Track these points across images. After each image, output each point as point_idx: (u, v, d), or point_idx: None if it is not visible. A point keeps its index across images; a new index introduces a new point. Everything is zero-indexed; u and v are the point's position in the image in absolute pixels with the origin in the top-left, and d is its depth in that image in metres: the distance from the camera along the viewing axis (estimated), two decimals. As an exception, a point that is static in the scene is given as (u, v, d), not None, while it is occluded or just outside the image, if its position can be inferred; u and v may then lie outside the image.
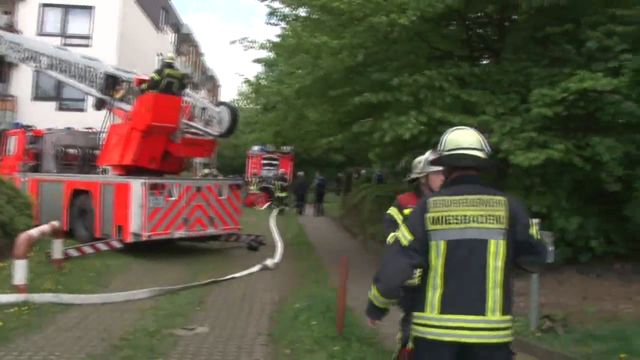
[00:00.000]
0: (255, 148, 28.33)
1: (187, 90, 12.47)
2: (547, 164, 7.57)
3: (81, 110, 22.38)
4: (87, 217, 11.63)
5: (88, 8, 24.87)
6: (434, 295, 2.78)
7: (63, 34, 24.69)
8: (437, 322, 2.75)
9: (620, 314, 6.53)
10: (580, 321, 6.37)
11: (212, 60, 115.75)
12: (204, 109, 12.29)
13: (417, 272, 2.81)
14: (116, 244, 10.67)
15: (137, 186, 10.63)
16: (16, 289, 6.99)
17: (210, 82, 49.46)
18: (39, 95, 24.76)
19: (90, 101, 14.84)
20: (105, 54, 18.75)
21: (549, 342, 5.86)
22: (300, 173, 27.47)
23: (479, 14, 10.59)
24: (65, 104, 24.55)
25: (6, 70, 20.48)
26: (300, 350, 5.46)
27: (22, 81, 23.54)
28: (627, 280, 7.60)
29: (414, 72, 8.82)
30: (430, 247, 2.80)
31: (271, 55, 14.70)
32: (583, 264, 8.04)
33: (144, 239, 10.58)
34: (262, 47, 12.27)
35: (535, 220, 3.04)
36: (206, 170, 31.96)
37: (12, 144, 14.27)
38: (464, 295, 2.73)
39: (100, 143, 13.07)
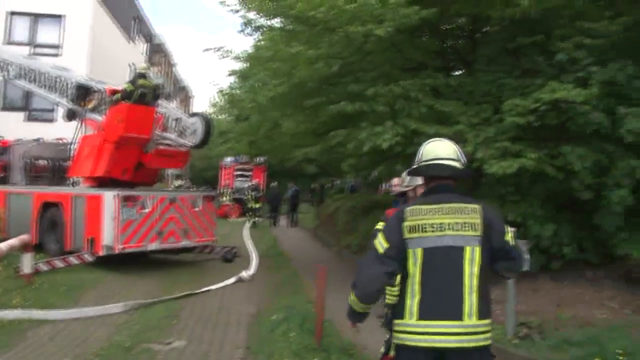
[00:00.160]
0: (228, 159, 28.19)
1: (161, 101, 12.35)
2: (521, 173, 7.70)
3: (50, 121, 21.90)
4: (58, 230, 11.36)
5: (58, 17, 24.40)
6: (412, 302, 2.85)
7: (32, 43, 24.15)
8: (416, 329, 2.82)
9: (594, 319, 6.66)
10: (556, 327, 6.48)
11: (185, 71, 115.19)
12: (177, 119, 12.16)
13: (397, 280, 2.88)
14: (88, 258, 10.45)
15: (109, 198, 10.45)
16: (-17, 306, 6.79)
17: (182, 93, 49.10)
18: (6, 105, 24.08)
19: (60, 112, 14.55)
20: (75, 63, 18.39)
21: (527, 349, 5.94)
22: (274, 184, 27.39)
23: (451, 26, 10.75)
24: (34, 114, 23.98)
25: (-29, 80, 19.97)
26: (280, 363, 5.42)
27: (-12, 91, 22.97)
28: (598, 286, 7.75)
29: (389, 83, 8.91)
30: (408, 255, 2.89)
31: (246, 66, 14.61)
32: (555, 271, 8.16)
33: (116, 251, 10.39)
34: (236, 58, 12.22)
35: (511, 228, 3.13)
36: (178, 182, 31.65)
37: (-22, 156, 13.88)
38: (442, 301, 2.81)
39: (71, 154, 12.82)
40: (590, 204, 7.85)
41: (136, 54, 31.94)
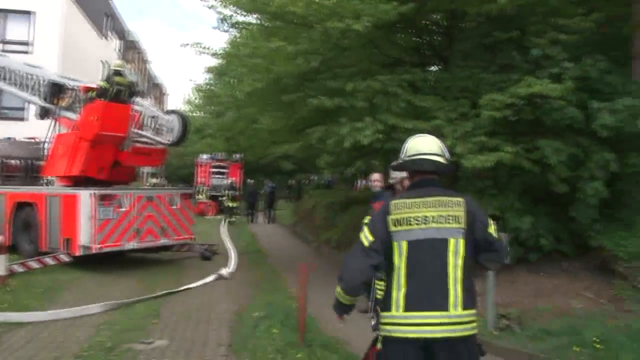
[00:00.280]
0: (204, 156, 27.95)
1: (137, 99, 12.19)
2: (498, 167, 7.82)
3: (22, 119, 21.46)
4: (32, 231, 11.13)
5: (27, 13, 23.91)
6: (398, 294, 2.89)
7: (1, 40, 23.65)
8: (402, 320, 2.86)
9: (571, 309, 6.83)
10: (534, 318, 6.62)
11: (159, 68, 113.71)
12: (153, 117, 12.01)
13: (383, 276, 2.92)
14: (64, 258, 10.25)
15: (86, 197, 10.27)
16: (-43, 309, 6.62)
17: (156, 90, 48.53)
18: (-25, 104, 23.59)
19: (32, 110, 14.24)
20: (46, 61, 18.03)
21: (507, 340, 6.05)
22: (250, 181, 27.28)
23: (428, 22, 10.83)
24: (4, 112, 23.43)
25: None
26: (264, 360, 5.41)
27: (-45, 90, 22.36)
28: (574, 277, 7.93)
29: (366, 78, 8.94)
30: (393, 247, 2.94)
31: (222, 62, 14.50)
32: (532, 263, 8.32)
33: (94, 251, 10.22)
34: (214, 54, 12.11)
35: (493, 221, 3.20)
36: (154, 180, 31.31)
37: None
38: (427, 292, 2.86)
39: (45, 153, 12.57)
40: (566, 197, 8.02)
41: (109, 50, 31.46)
